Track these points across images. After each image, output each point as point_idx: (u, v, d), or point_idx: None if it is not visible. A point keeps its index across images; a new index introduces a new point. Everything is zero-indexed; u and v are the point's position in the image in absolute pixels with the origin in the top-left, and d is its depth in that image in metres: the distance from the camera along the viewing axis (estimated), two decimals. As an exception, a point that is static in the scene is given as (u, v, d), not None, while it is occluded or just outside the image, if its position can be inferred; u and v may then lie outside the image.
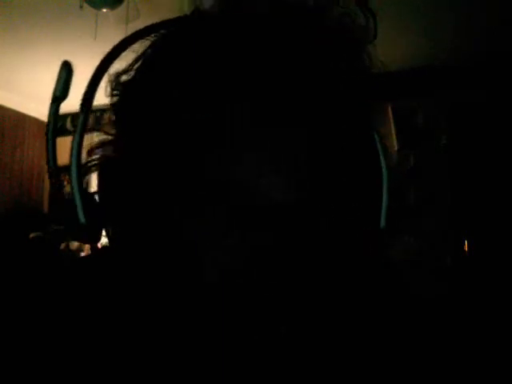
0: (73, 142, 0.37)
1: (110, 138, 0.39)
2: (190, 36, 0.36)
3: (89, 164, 0.39)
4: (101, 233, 0.38)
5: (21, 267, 0.44)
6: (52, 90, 0.38)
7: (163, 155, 0.34)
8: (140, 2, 2.14)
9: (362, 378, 0.41)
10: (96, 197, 0.38)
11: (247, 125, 0.33)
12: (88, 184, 0.38)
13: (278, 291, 0.37)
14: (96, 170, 0.39)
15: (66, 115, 3.48)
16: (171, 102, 0.34)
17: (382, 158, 0.41)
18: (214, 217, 0.34)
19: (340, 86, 0.35)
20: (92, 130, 0.39)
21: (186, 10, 0.39)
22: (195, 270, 0.35)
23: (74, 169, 0.36)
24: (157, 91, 0.35)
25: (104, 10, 2.14)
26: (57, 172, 0.38)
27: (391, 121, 3.10)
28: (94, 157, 0.40)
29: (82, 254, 3.24)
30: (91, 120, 0.38)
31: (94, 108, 0.38)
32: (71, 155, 0.36)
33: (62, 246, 3.36)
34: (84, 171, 0.37)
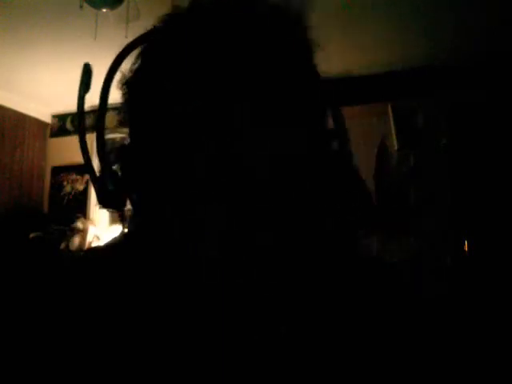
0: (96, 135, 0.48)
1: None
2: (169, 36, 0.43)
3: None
4: (125, 199, 0.48)
5: (21, 267, 0.44)
6: (77, 89, 0.48)
7: (163, 143, 0.41)
8: (140, 2, 2.13)
9: (361, 377, 0.41)
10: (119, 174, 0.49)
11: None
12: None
13: (277, 291, 0.37)
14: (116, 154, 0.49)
15: (66, 115, 3.49)
16: (161, 96, 0.41)
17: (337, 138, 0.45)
18: (211, 213, 0.37)
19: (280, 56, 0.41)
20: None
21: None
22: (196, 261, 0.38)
23: (100, 153, 0.48)
24: (149, 86, 0.42)
25: (104, 10, 2.14)
26: (104, 154, 0.48)
27: (391, 121, 3.10)
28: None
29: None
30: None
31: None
32: (98, 143, 0.48)
33: (62, 245, 3.36)
34: (107, 157, 0.48)
